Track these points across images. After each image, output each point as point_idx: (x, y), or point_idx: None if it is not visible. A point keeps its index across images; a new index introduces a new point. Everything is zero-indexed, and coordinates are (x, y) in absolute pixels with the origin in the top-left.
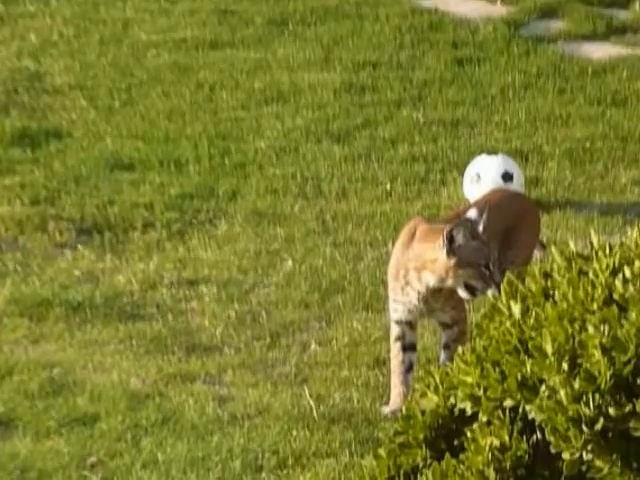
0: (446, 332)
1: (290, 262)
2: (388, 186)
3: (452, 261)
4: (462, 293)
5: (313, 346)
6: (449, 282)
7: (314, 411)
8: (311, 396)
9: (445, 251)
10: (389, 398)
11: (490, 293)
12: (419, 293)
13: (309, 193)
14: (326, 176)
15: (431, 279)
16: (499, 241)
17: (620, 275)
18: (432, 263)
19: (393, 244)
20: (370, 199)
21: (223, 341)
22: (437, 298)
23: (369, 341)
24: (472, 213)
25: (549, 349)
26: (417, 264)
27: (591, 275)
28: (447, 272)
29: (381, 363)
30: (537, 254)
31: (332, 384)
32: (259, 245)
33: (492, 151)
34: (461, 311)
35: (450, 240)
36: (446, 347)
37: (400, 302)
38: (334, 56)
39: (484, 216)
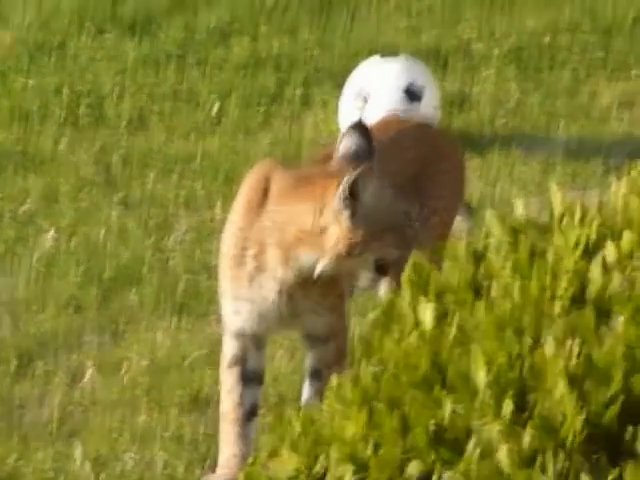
0: (315, 350)
1: (52, 233)
2: (215, 108)
3: (360, 231)
4: (364, 280)
5: (89, 373)
6: (348, 265)
7: None
8: (86, 458)
9: (347, 216)
10: (217, 461)
11: (382, 289)
12: (282, 284)
13: (83, 119)
14: (112, 90)
15: (314, 262)
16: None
17: (598, 257)
18: (316, 236)
19: (228, 204)
20: (185, 130)
21: None
22: (308, 293)
23: (183, 365)
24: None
25: (481, 379)
26: (284, 237)
27: (551, 256)
28: (350, 249)
29: (202, 403)
30: (462, 222)
31: (121, 437)
32: (0, 205)
33: (388, 50)
34: (341, 315)
35: (352, 198)
36: (315, 375)
37: (245, 300)
38: None
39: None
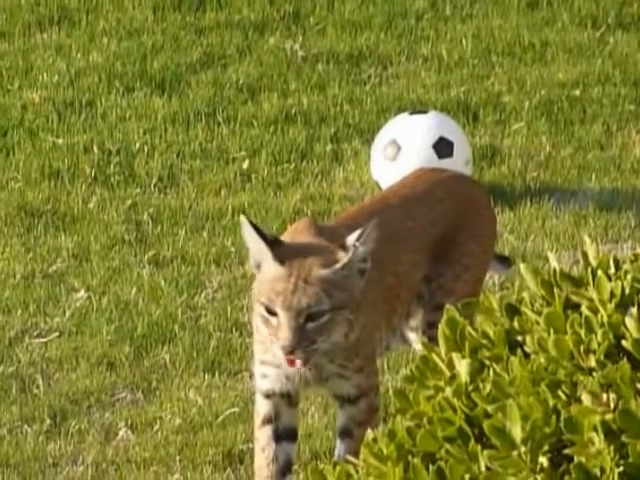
0: (346, 410)
1: (83, 292)
2: (245, 164)
3: (255, 284)
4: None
5: (123, 431)
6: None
7: None
8: None
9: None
10: None
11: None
12: None
13: (114, 177)
14: (141, 148)
15: None
16: (431, 255)
17: (634, 310)
18: None
19: None
20: (215, 186)
21: None
22: (332, 357)
23: (215, 423)
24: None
25: (517, 433)
26: None
27: (586, 310)
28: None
29: (236, 460)
30: (495, 275)
31: None
32: (30, 264)
33: (418, 105)
34: (371, 374)
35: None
36: (346, 433)
37: (272, 364)
38: None
39: (371, 230)
